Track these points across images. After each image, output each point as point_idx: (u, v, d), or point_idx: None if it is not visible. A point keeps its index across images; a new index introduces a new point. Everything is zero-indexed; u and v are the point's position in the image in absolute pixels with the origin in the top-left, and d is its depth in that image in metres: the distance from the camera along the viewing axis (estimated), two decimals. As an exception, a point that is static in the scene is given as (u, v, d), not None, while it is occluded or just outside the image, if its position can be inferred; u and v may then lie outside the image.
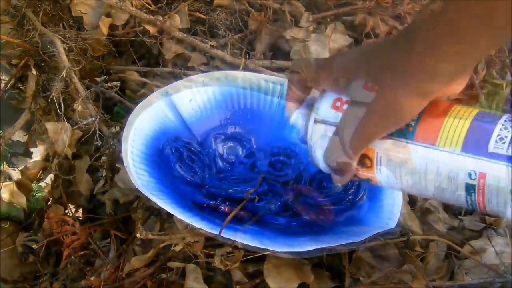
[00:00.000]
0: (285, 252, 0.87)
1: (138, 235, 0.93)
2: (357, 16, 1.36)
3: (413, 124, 0.67)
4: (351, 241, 0.86)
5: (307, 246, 0.84)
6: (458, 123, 0.65)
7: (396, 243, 0.97)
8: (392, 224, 0.94)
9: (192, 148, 1.03)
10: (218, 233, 0.84)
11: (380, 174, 0.71)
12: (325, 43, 1.30)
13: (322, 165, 0.75)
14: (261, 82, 1.11)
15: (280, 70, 1.26)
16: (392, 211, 0.97)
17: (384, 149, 0.69)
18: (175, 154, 1.01)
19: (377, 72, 0.65)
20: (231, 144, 1.08)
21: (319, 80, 0.73)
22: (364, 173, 0.73)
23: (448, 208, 1.13)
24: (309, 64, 0.74)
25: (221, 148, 1.07)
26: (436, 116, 0.67)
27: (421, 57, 0.60)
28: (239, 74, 1.12)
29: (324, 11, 1.39)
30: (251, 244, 0.84)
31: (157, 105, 1.04)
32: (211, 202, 0.95)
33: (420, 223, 1.05)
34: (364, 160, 0.71)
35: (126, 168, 0.90)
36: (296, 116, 0.77)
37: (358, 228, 0.92)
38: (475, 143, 0.64)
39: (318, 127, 0.73)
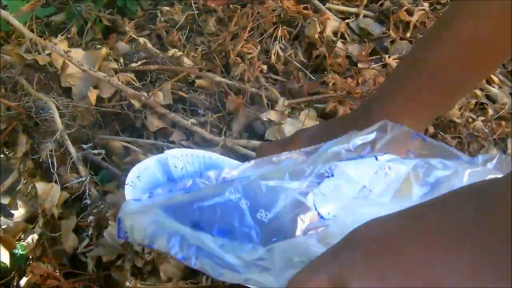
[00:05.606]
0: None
1: (127, 284, 0.96)
2: (329, 104, 1.46)
3: None
4: None
5: None
6: None
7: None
8: None
9: None
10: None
11: None
12: (298, 127, 1.38)
13: None
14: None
15: (255, 149, 1.33)
16: None
17: None
18: None
19: None
20: None
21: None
22: None
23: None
24: (274, 143, 0.88)
25: None
26: None
27: None
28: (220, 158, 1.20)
29: (298, 98, 1.49)
30: None
31: (152, 168, 1.09)
32: None
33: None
34: None
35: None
36: None
37: None
38: None
39: None
